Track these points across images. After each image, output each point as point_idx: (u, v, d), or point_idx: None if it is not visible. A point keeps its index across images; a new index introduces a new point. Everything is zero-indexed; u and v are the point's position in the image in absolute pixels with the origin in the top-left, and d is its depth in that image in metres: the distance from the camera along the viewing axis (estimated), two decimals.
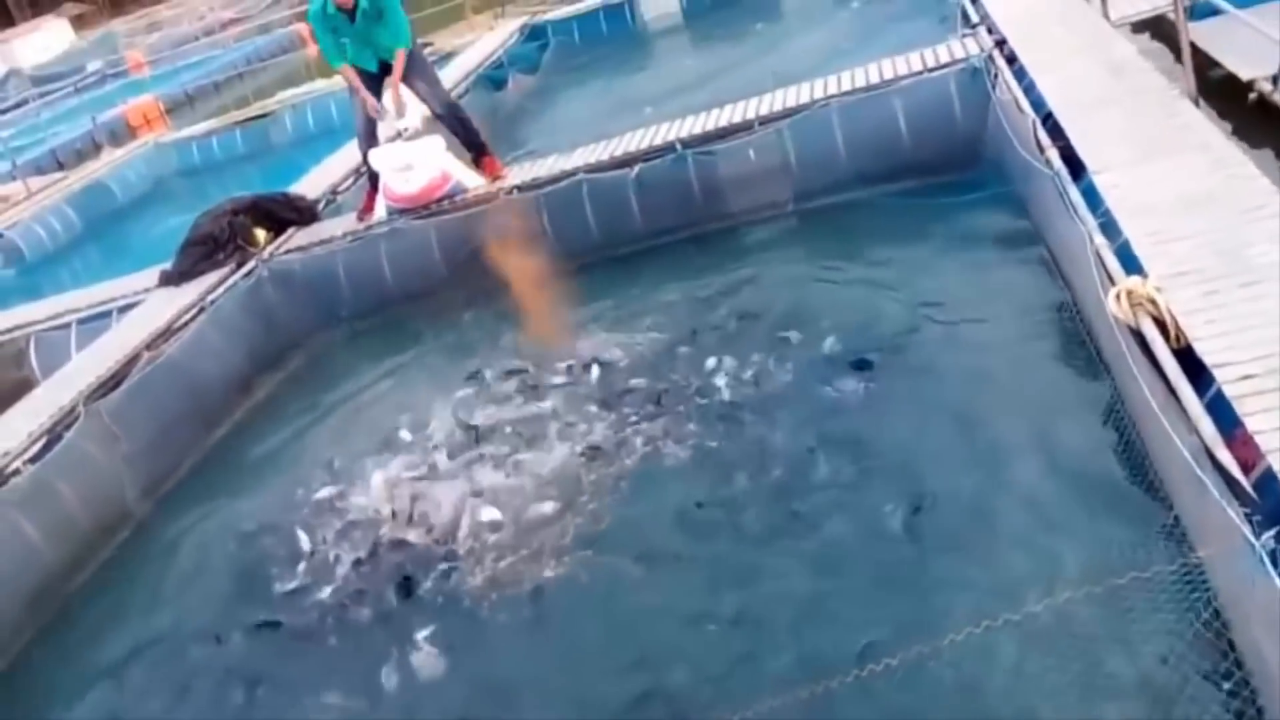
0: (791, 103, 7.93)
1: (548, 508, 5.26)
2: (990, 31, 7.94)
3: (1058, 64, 6.80)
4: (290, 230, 8.96)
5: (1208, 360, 3.54)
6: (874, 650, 3.34)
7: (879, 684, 3.26)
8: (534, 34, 16.06)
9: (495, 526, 5.23)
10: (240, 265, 8.38)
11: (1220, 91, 6.72)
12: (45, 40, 39.55)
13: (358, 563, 5.33)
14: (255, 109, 16.85)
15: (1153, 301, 3.90)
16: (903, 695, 3.46)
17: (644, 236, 8.09)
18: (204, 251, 8.46)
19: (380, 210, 8.61)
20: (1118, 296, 4.03)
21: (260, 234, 8.72)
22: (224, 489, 6.60)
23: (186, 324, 7.63)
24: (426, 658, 4.60)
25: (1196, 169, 4.92)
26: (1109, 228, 4.75)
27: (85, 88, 28.37)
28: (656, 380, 6.12)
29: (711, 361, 6.12)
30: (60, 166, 18.16)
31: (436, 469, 5.86)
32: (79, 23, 45.89)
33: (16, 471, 6.07)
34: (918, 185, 7.43)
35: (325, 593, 5.21)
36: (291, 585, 5.36)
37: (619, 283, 7.72)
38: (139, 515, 6.61)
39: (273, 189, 9.66)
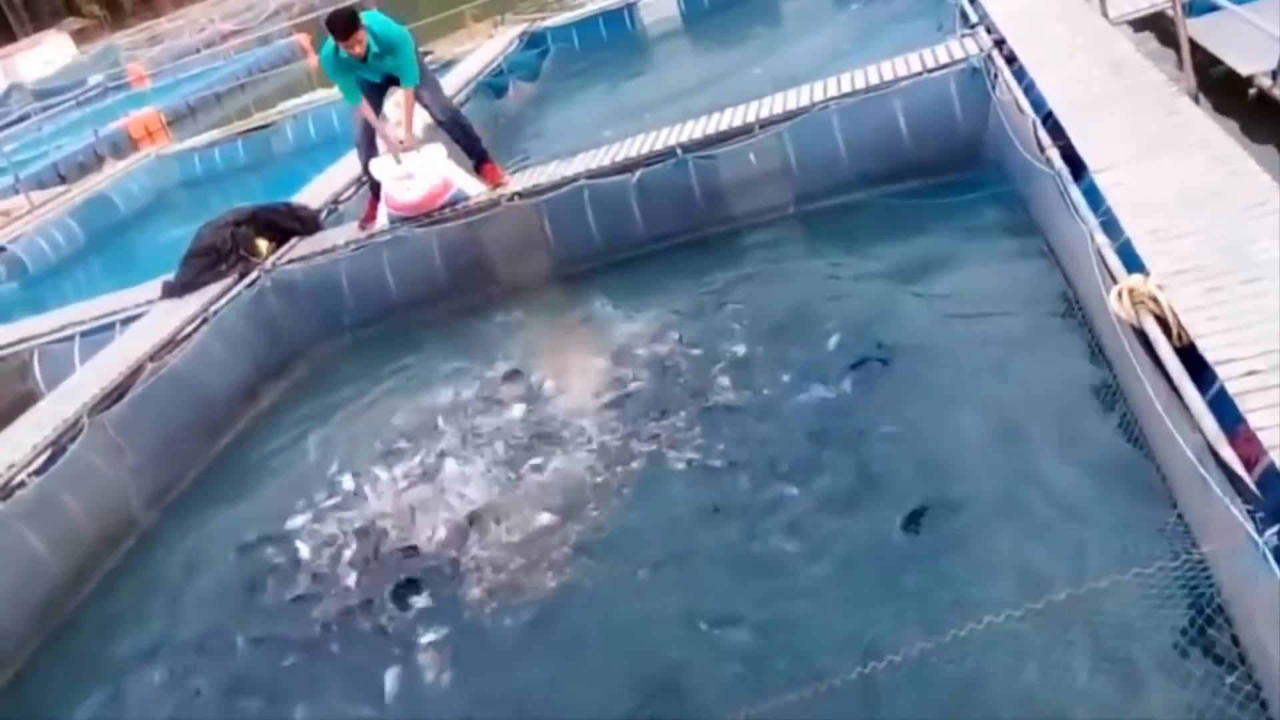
0: (791, 105, 7.93)
1: (550, 515, 5.26)
2: (989, 31, 7.94)
3: (1057, 63, 6.80)
4: (293, 240, 8.97)
5: (1210, 357, 3.54)
6: (877, 648, 3.32)
7: (882, 681, 3.26)
8: (534, 41, 16.06)
9: (498, 534, 5.23)
10: (243, 276, 8.40)
11: (1220, 88, 6.73)
12: (47, 54, 39.73)
13: (361, 571, 5.33)
14: (257, 119, 16.88)
15: (1154, 299, 3.90)
16: (905, 693, 3.46)
17: (646, 241, 8.09)
18: (207, 262, 8.48)
19: (382, 219, 8.61)
20: (1119, 295, 4.03)
21: (263, 244, 8.73)
22: (228, 498, 6.62)
23: (190, 335, 7.64)
24: (429, 665, 4.60)
25: (1197, 166, 4.91)
26: (1110, 226, 4.75)
27: (87, 101, 28.49)
28: (659, 384, 6.12)
29: (714, 364, 6.13)
30: (62, 179, 18.22)
31: (439, 477, 5.86)
32: (80, 37, 46.08)
33: (22, 484, 6.08)
34: (919, 186, 7.43)
35: (329, 601, 5.21)
36: (295, 594, 5.37)
37: (621, 288, 7.72)
38: (144, 525, 6.62)
39: (275, 199, 9.66)
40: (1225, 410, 3.32)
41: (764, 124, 7.87)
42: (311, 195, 10.08)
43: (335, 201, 9.82)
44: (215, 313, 7.93)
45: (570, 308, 7.72)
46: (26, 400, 7.66)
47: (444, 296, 8.33)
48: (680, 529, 4.96)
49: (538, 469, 5.64)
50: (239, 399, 7.74)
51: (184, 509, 6.75)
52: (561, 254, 8.27)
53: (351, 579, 5.30)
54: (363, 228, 8.72)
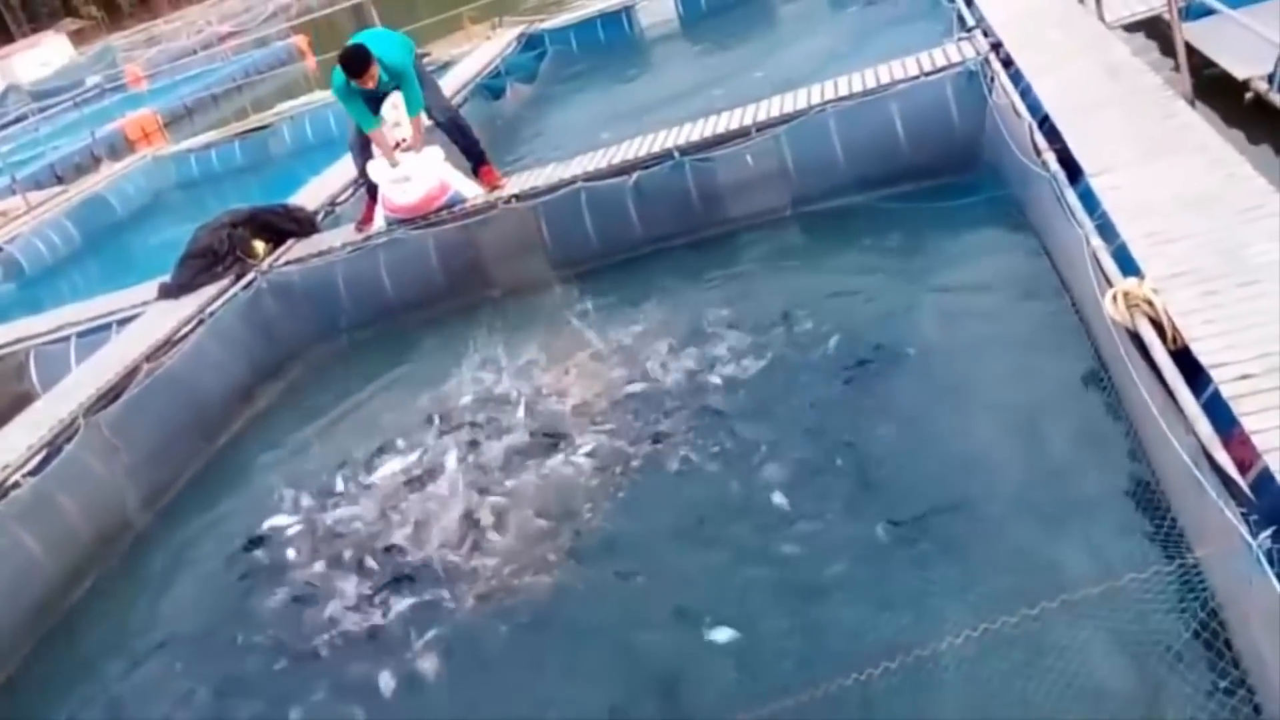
0: (789, 108, 7.94)
1: (546, 517, 5.25)
2: (986, 35, 7.95)
3: (1053, 66, 6.80)
4: (289, 242, 8.96)
5: (1205, 360, 3.54)
6: (872, 654, 3.32)
7: (877, 688, 3.26)
8: (531, 43, 16.07)
9: (493, 536, 5.22)
10: (239, 277, 8.39)
11: (1216, 91, 6.74)
12: (44, 55, 39.75)
13: (356, 573, 5.31)
14: (253, 121, 16.86)
15: (1149, 302, 3.90)
16: (901, 699, 3.45)
17: (643, 243, 8.10)
18: (203, 264, 8.47)
19: (379, 221, 8.61)
20: (1114, 298, 4.03)
21: (259, 246, 8.72)
22: (224, 499, 6.61)
23: (186, 336, 7.62)
24: (423, 668, 4.59)
25: (1193, 169, 4.92)
26: (1106, 229, 4.75)
27: (84, 102, 28.48)
28: (656, 386, 6.11)
29: (711, 366, 6.13)
30: (59, 180, 18.19)
31: (435, 479, 5.85)
32: (77, 38, 46.11)
33: (17, 484, 6.06)
34: (915, 189, 7.43)
35: (323, 603, 5.19)
36: (290, 595, 5.35)
37: (618, 290, 7.72)
38: (139, 526, 6.61)
39: (271, 201, 9.64)
40: (1220, 414, 3.32)
41: (761, 127, 7.87)
42: (308, 197, 10.07)
43: (332, 203, 9.82)
44: (211, 314, 7.92)
45: (567, 310, 7.71)
46: (22, 400, 7.64)
47: (441, 299, 8.33)
48: (676, 531, 4.96)
49: (533, 471, 5.64)
50: (235, 400, 7.73)
51: (179, 510, 6.74)
52: (558, 256, 8.27)
53: (346, 581, 5.28)
54: (359, 229, 8.72)
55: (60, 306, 9.69)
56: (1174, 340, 3.76)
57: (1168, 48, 7.00)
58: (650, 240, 8.07)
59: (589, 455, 5.64)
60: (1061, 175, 5.44)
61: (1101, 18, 7.50)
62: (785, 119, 7.84)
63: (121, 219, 15.29)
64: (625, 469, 5.46)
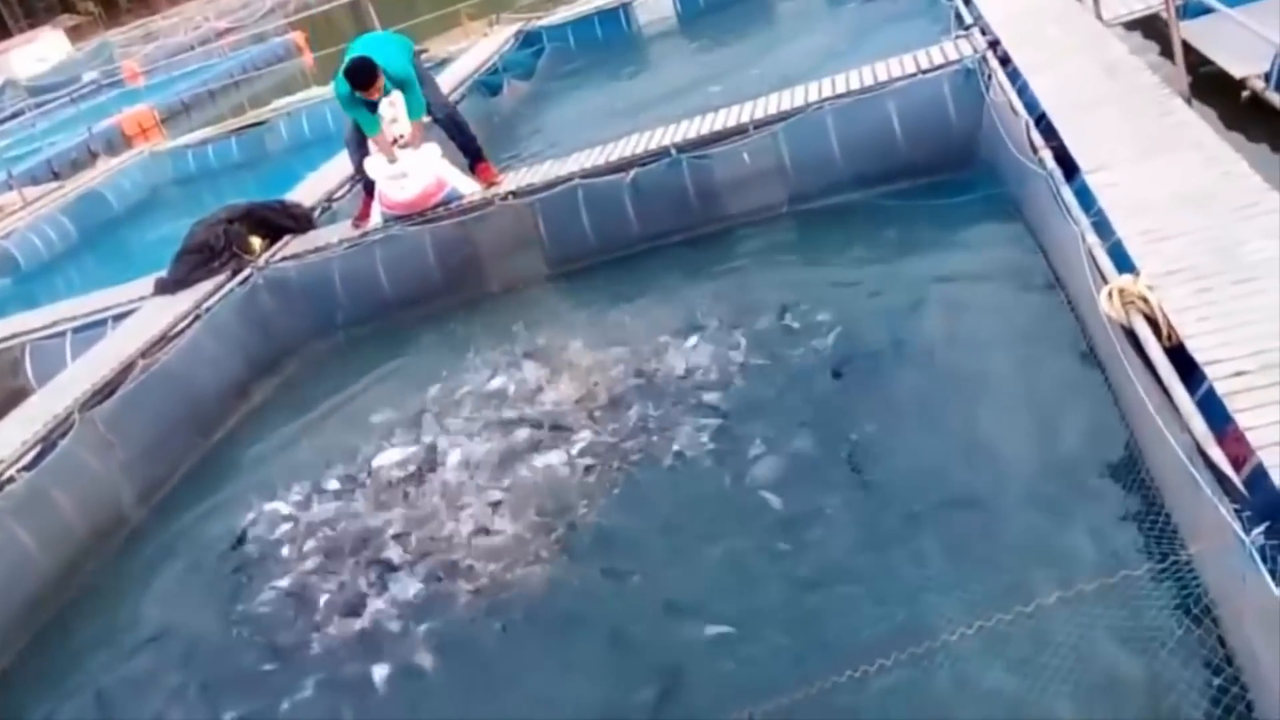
0: (786, 106, 7.94)
1: (540, 514, 5.25)
2: (983, 33, 7.95)
3: (1051, 64, 6.81)
4: (286, 238, 8.95)
5: (1199, 357, 3.54)
6: (868, 651, 3.32)
7: (873, 684, 3.26)
8: (529, 40, 16.04)
9: (488, 533, 5.22)
10: (236, 273, 8.38)
11: (1213, 89, 6.75)
12: (41, 51, 39.69)
13: (351, 569, 5.30)
14: (250, 117, 16.83)
15: (1144, 299, 3.91)
16: (896, 696, 3.45)
17: (640, 241, 8.09)
18: (199, 259, 8.46)
19: (376, 217, 8.60)
20: (1110, 295, 4.04)
21: (256, 242, 8.71)
22: (219, 495, 6.60)
23: (182, 332, 7.62)
24: (418, 664, 4.58)
25: (1189, 167, 4.92)
26: (1102, 227, 4.76)
27: (81, 98, 28.41)
28: (652, 383, 6.11)
29: (707, 363, 6.12)
30: (56, 176, 18.20)
31: (430, 475, 5.85)
32: (74, 33, 46.06)
33: (12, 480, 6.06)
34: (912, 186, 7.44)
35: (318, 599, 5.18)
36: (285, 592, 5.34)
37: (615, 287, 7.73)
38: (134, 522, 6.61)
39: (268, 197, 9.63)
40: (1214, 410, 3.32)
41: (758, 124, 7.87)
42: (305, 193, 10.06)
43: (329, 199, 9.79)
44: (207, 310, 7.92)
45: (564, 307, 7.72)
46: (17, 396, 7.64)
47: (437, 295, 8.33)
48: (672, 527, 4.96)
49: (529, 467, 5.63)
50: (230, 396, 7.73)
51: (174, 506, 6.73)
52: (555, 253, 8.27)
53: (341, 577, 5.27)
54: (356, 226, 8.71)
55: (56, 302, 9.69)
56: (1169, 337, 3.77)
57: (1165, 46, 7.00)
58: (647, 237, 8.06)
59: (585, 451, 5.64)
60: (1058, 172, 5.45)
61: (1099, 15, 7.50)
62: (783, 116, 7.84)
63: (118, 215, 15.28)
64: (621, 465, 5.46)
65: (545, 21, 16.38)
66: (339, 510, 5.84)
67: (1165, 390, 3.56)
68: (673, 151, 7.96)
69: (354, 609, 5.04)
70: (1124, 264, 4.32)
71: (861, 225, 7.43)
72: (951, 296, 6.12)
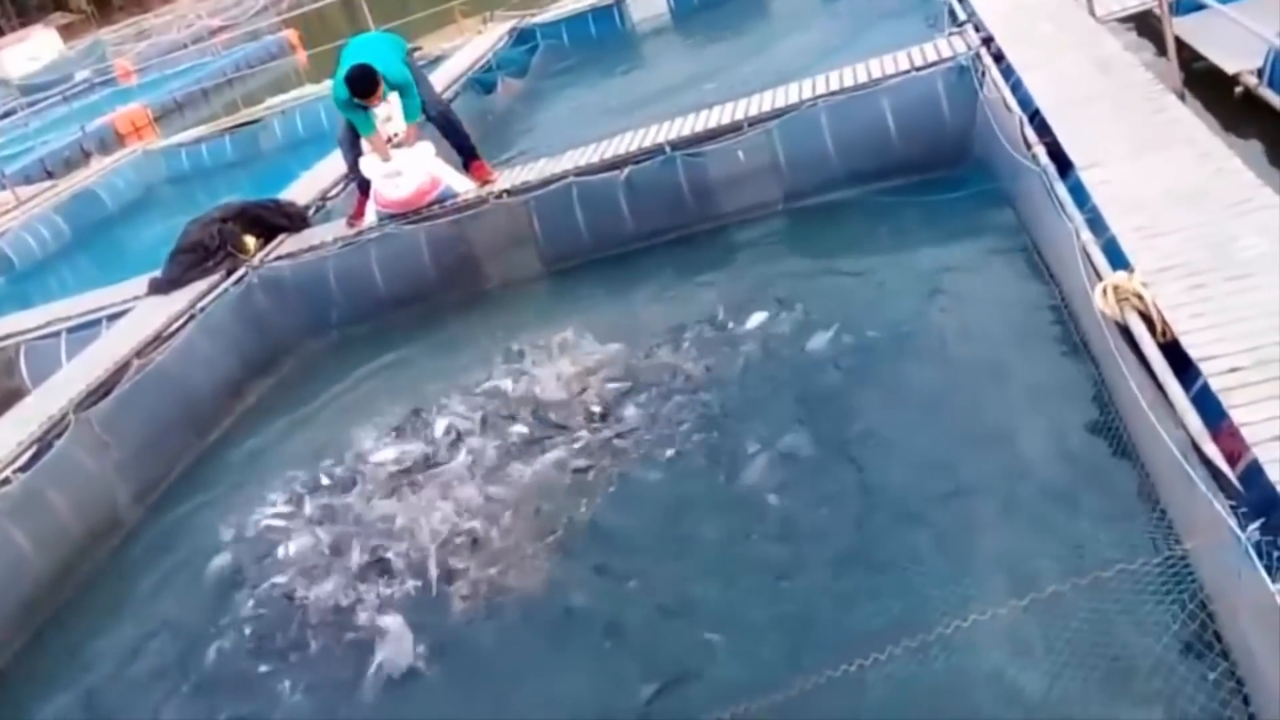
0: (780, 103, 7.94)
1: (537, 513, 5.25)
2: (977, 29, 7.96)
3: (1044, 61, 6.81)
4: (280, 237, 8.94)
5: (1194, 353, 3.55)
6: (862, 646, 3.33)
7: (868, 679, 3.27)
8: (523, 37, 16.04)
9: (483, 533, 5.21)
10: (230, 272, 8.37)
11: (1206, 86, 6.75)
12: (33, 49, 39.53)
13: (345, 569, 5.30)
14: (244, 115, 16.81)
15: (1139, 296, 3.91)
16: (890, 690, 3.46)
17: (635, 239, 8.09)
18: (194, 259, 8.45)
19: (370, 216, 8.60)
20: (1104, 291, 4.04)
21: (250, 241, 8.70)
22: (214, 495, 6.59)
23: (176, 332, 7.61)
24: (412, 665, 4.58)
25: (1183, 163, 4.93)
26: (1096, 223, 4.76)
27: (74, 96, 28.32)
28: (647, 382, 6.11)
29: (702, 361, 6.13)
30: (49, 175, 18.15)
31: (425, 475, 5.84)
32: (67, 32, 45.92)
33: (7, 480, 6.05)
34: (906, 183, 7.45)
35: (313, 600, 5.17)
36: (280, 592, 5.33)
37: (609, 285, 7.74)
38: (130, 522, 6.60)
39: (262, 195, 9.62)
40: (1209, 406, 3.33)
41: (753, 121, 7.88)
42: (299, 192, 10.05)
43: (323, 198, 9.79)
44: (202, 309, 7.91)
45: (558, 305, 7.72)
46: (12, 396, 7.63)
47: (432, 294, 8.32)
48: (667, 526, 4.97)
49: (525, 466, 5.63)
50: (226, 396, 7.72)
51: (170, 506, 6.73)
52: (550, 251, 8.27)
53: (336, 577, 5.26)
54: (351, 224, 8.70)
55: (50, 302, 9.66)
56: (1163, 333, 3.77)
57: (1158, 42, 7.00)
58: (642, 235, 8.06)
59: (580, 450, 5.64)
60: (1052, 169, 5.45)
61: (1092, 12, 7.50)
62: (777, 113, 7.85)
63: (111, 214, 15.26)
64: (616, 463, 5.46)
65: (539, 19, 16.39)
66: (334, 510, 5.83)
67: (1160, 386, 3.56)
68: (667, 149, 7.96)
69: (349, 610, 5.03)
70: (1118, 260, 4.33)
71: (856, 222, 7.44)
72: (946, 293, 6.13)
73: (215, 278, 8.31)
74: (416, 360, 7.56)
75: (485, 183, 8.58)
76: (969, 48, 7.60)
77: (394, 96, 8.26)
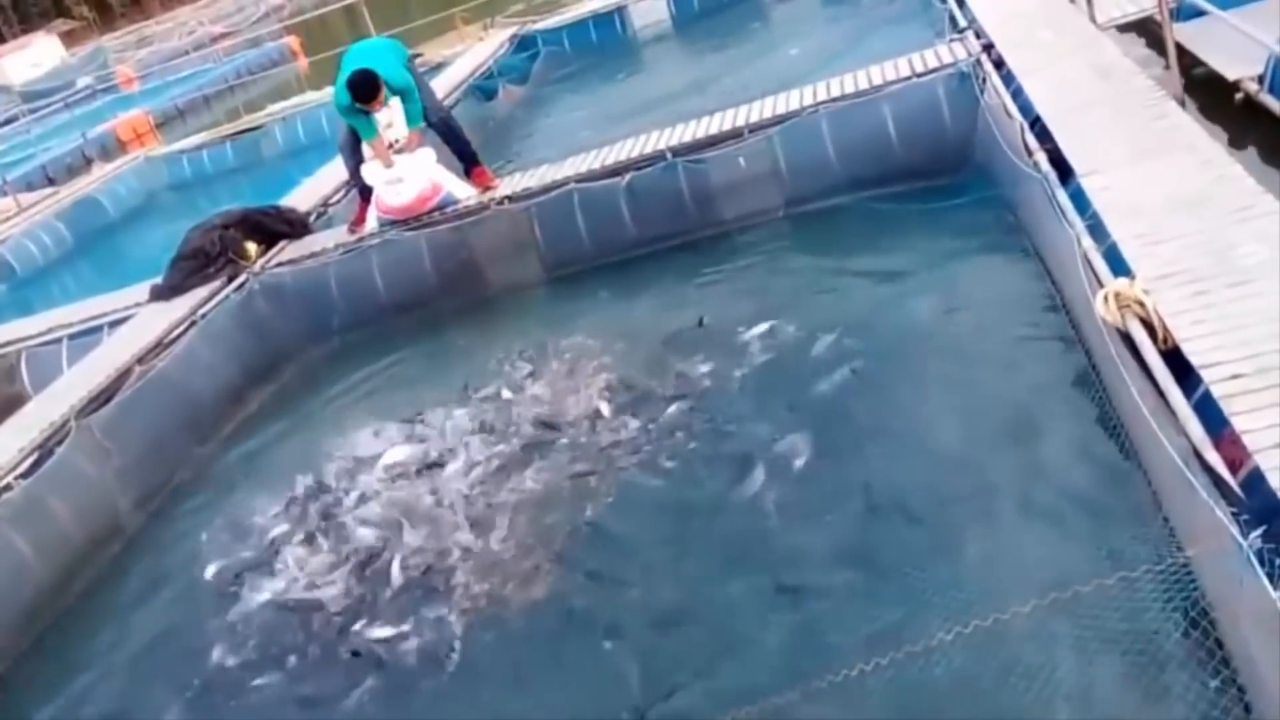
0: (781, 110, 7.94)
1: (537, 520, 5.24)
2: (978, 36, 7.97)
3: (1045, 67, 6.82)
4: (281, 243, 8.95)
5: (1195, 361, 3.55)
6: (862, 651, 3.33)
7: (869, 684, 3.26)
8: (524, 44, 16.05)
9: (483, 541, 5.20)
10: (231, 279, 8.37)
11: (1206, 92, 6.76)
12: (35, 56, 39.64)
13: (346, 577, 5.30)
14: (245, 122, 16.84)
15: (1140, 303, 3.92)
16: (891, 696, 3.46)
17: (636, 245, 8.08)
18: (195, 265, 8.45)
19: (371, 222, 8.60)
20: (1105, 298, 4.05)
21: (251, 247, 8.70)
22: (215, 502, 6.58)
23: (177, 338, 7.61)
24: (411, 673, 4.57)
25: (1184, 170, 4.93)
26: (1097, 230, 4.77)
27: (75, 103, 28.41)
28: (648, 388, 6.11)
29: (701, 369, 6.12)
30: (51, 182, 18.16)
31: (426, 482, 5.84)
32: (69, 39, 46.04)
33: (8, 487, 6.05)
34: (907, 190, 7.43)
35: (313, 606, 5.16)
36: (279, 599, 5.32)
37: (610, 292, 7.73)
38: (131, 529, 6.59)
39: (264, 202, 9.63)
40: (1210, 414, 3.33)
41: (753, 128, 7.88)
42: (301, 198, 10.06)
43: (324, 204, 9.80)
44: (203, 316, 7.91)
45: (560, 311, 7.72)
46: (13, 403, 7.63)
47: (433, 300, 8.32)
48: (668, 532, 4.95)
49: (525, 474, 5.63)
50: (227, 402, 7.71)
51: (170, 513, 6.73)
52: (551, 258, 8.27)
53: (336, 585, 5.26)
54: (352, 231, 8.71)
55: (52, 308, 9.67)
56: (1165, 340, 3.78)
57: (1159, 48, 7.02)
58: (643, 242, 8.06)
59: (581, 457, 5.63)
60: (1053, 176, 5.45)
61: (1093, 19, 7.52)
62: (778, 120, 7.85)
63: (113, 220, 15.26)
64: (617, 470, 5.46)
65: (540, 25, 16.40)
66: (334, 517, 5.82)
67: (1161, 394, 3.56)
68: (668, 155, 7.96)
69: (349, 618, 5.03)
70: (1119, 267, 4.33)
71: (857, 229, 7.43)
72: (947, 300, 6.13)
73: (216, 284, 8.31)
74: (417, 367, 7.56)
75: (487, 189, 8.59)
76: (969, 54, 7.60)
77: (395, 102, 8.28)
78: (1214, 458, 3.17)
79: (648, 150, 8.12)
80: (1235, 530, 2.90)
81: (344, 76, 8.06)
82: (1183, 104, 5.95)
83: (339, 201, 9.82)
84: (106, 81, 30.87)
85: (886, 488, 4.72)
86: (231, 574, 5.72)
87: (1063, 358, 5.10)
